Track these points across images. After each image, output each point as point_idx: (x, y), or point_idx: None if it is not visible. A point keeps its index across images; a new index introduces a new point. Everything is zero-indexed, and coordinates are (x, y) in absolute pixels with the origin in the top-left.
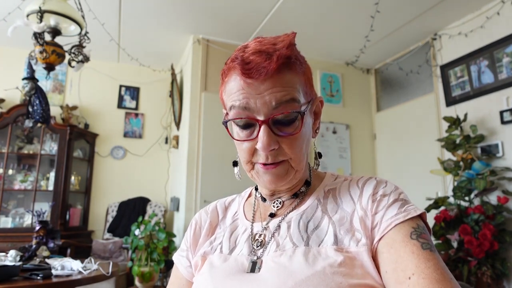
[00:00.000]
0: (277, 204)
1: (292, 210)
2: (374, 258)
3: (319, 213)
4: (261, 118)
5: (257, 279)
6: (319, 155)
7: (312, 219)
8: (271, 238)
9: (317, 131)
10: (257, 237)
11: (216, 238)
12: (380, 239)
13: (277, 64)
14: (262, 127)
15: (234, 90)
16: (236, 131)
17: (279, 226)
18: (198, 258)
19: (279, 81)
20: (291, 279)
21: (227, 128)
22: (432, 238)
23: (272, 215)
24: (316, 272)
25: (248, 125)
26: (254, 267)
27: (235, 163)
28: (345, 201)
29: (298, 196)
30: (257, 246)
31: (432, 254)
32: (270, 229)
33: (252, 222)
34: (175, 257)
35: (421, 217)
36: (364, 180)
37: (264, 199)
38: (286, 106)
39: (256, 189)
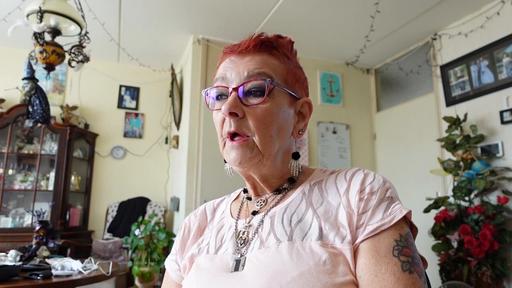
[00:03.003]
0: (260, 203)
1: (276, 205)
2: (354, 256)
3: (303, 205)
4: (232, 86)
5: (240, 279)
6: (294, 155)
7: (296, 212)
8: (254, 234)
9: (301, 132)
10: (241, 235)
11: (203, 240)
12: (362, 241)
13: (255, 41)
14: (231, 94)
15: (219, 68)
16: (212, 103)
17: (262, 221)
18: (186, 261)
19: (256, 58)
20: (276, 280)
21: (206, 101)
22: (432, 238)
23: (255, 213)
24: (302, 272)
25: (222, 95)
26: (238, 265)
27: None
28: (330, 193)
29: (281, 192)
30: (241, 244)
31: (410, 278)
32: (253, 226)
33: (237, 220)
34: (166, 261)
35: (406, 216)
36: (352, 173)
37: (250, 199)
38: (256, 77)
39: (245, 191)
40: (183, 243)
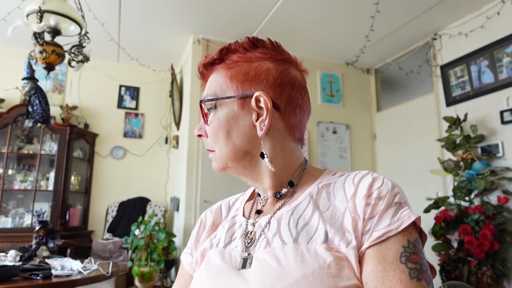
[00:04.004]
0: (262, 202)
1: (282, 206)
2: (359, 262)
3: (310, 209)
4: None
5: (246, 278)
6: (261, 155)
7: (302, 216)
8: (261, 234)
9: (261, 129)
10: (249, 234)
11: (216, 235)
12: (368, 247)
13: (202, 66)
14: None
15: None
16: None
17: (269, 222)
18: (198, 254)
19: (205, 82)
20: (279, 282)
21: None
22: (432, 239)
23: (259, 212)
24: (306, 274)
25: None
26: (245, 263)
27: None
28: (338, 197)
29: (281, 198)
30: (248, 243)
31: (418, 285)
32: (261, 226)
33: (248, 219)
34: (182, 254)
35: (415, 222)
36: (360, 177)
37: (259, 195)
38: (203, 101)
39: None
40: (198, 237)
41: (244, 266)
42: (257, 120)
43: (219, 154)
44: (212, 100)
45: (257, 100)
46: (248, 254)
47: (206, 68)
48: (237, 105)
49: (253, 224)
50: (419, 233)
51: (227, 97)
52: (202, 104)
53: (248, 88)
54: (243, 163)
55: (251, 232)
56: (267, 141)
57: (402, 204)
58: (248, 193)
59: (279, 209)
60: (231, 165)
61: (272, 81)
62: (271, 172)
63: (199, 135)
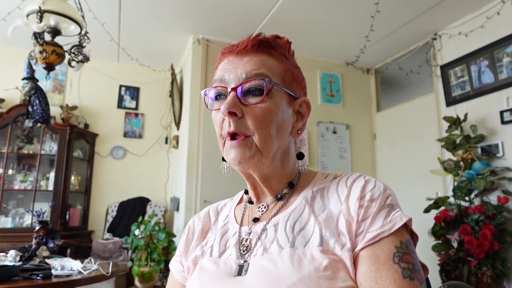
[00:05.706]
0: (262, 208)
1: (278, 212)
2: (354, 264)
3: (306, 213)
4: (231, 86)
5: (242, 283)
6: (299, 155)
7: (298, 220)
8: (257, 241)
9: (299, 132)
10: (243, 242)
11: (207, 242)
12: (362, 249)
13: (253, 41)
14: (230, 94)
15: (218, 69)
16: (211, 103)
17: (265, 228)
18: (190, 262)
19: (254, 58)
20: (277, 285)
21: (205, 101)
22: (432, 239)
23: (256, 220)
24: (302, 277)
25: (220, 95)
26: (241, 270)
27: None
28: (332, 200)
29: (282, 198)
30: (244, 251)
31: (411, 285)
32: (257, 233)
33: (240, 226)
34: (171, 263)
35: (406, 224)
36: (353, 179)
37: (251, 202)
38: (254, 78)
39: (246, 192)
40: (187, 245)
41: (240, 273)
42: (295, 122)
43: (259, 142)
44: (278, 85)
45: (300, 105)
46: (244, 261)
47: (258, 46)
48: (286, 101)
49: (249, 232)
50: (411, 235)
51: (288, 89)
52: (256, 79)
53: (296, 89)
54: (270, 160)
55: (246, 240)
56: (291, 144)
57: (394, 206)
58: (236, 198)
59: (274, 215)
60: (264, 159)
61: (304, 91)
62: (281, 174)
63: (231, 113)
